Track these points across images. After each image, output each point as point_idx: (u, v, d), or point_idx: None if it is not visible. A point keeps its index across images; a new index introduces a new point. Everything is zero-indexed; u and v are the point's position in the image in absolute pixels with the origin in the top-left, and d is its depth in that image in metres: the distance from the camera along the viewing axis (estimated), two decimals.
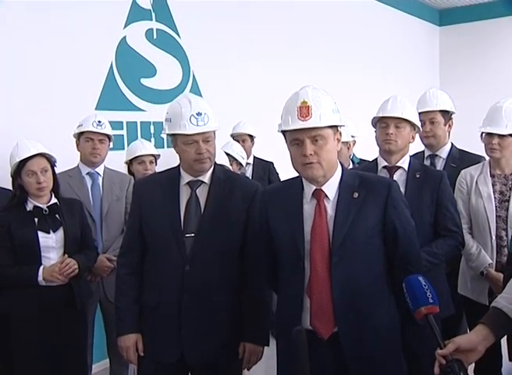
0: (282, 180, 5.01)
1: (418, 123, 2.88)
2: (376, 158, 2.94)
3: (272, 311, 2.45)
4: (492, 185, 3.07)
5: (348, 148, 4.17)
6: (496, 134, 3.00)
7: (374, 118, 2.90)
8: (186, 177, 2.39)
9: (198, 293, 2.31)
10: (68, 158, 3.55)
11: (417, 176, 2.76)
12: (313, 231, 2.03)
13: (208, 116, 2.31)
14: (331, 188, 2.06)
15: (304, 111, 1.96)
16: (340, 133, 2.07)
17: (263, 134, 5.20)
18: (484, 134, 3.09)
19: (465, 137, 4.18)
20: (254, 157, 5.35)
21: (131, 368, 3.64)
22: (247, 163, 5.26)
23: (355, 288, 2.01)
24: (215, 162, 2.47)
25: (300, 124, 1.96)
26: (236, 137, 5.21)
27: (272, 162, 5.33)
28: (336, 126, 2.03)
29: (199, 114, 2.29)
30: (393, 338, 2.11)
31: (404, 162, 2.82)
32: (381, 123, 2.84)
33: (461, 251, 2.88)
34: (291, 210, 2.09)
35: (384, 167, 2.86)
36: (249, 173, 5.26)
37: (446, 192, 2.77)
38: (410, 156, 2.88)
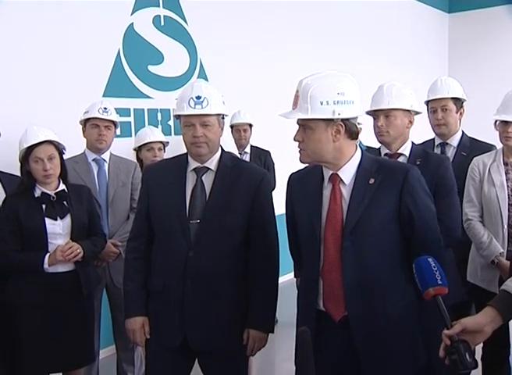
0: (276, 168, 5.08)
1: (414, 107, 2.81)
2: (380, 146, 2.93)
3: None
4: (506, 173, 3.05)
5: None
6: (511, 122, 2.97)
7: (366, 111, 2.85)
8: (192, 164, 2.41)
9: (201, 279, 2.32)
10: (75, 145, 3.54)
11: (418, 163, 2.70)
12: (327, 215, 2.07)
13: (208, 101, 2.32)
14: (347, 173, 2.07)
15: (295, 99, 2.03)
16: (341, 126, 2.00)
17: (266, 122, 5.19)
18: (498, 122, 3.05)
19: (474, 124, 4.15)
20: (251, 146, 5.35)
21: (137, 353, 3.66)
22: (245, 152, 5.30)
23: (366, 273, 2.02)
24: (223, 149, 2.48)
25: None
26: (236, 127, 5.23)
27: (268, 152, 5.32)
28: (330, 120, 1.99)
29: (198, 97, 2.31)
30: (407, 326, 2.10)
31: (406, 149, 2.80)
32: (373, 115, 2.84)
33: (453, 238, 2.66)
34: (311, 195, 2.13)
35: (385, 154, 2.84)
36: None
37: (446, 177, 2.69)
38: (413, 142, 2.85)
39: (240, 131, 5.22)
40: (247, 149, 5.32)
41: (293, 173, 2.34)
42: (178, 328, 2.36)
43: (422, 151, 2.84)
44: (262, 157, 5.28)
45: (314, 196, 2.11)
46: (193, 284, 2.33)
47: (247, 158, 5.28)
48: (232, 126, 5.25)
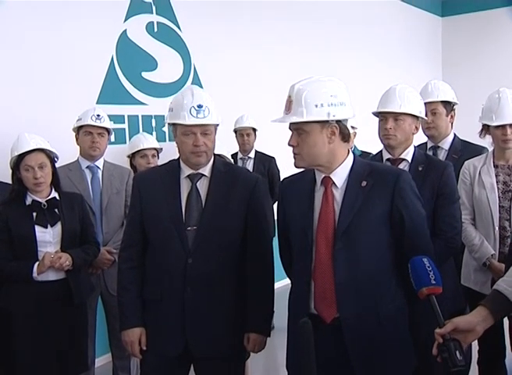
0: (281, 176, 5.08)
1: (422, 113, 2.80)
2: (381, 151, 2.90)
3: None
4: (496, 176, 3.05)
5: None
6: (507, 125, 2.97)
7: (374, 111, 2.86)
8: (186, 170, 2.40)
9: (201, 285, 2.32)
10: (69, 152, 3.55)
11: (420, 169, 2.69)
12: (319, 217, 2.08)
13: (209, 110, 2.33)
14: (340, 176, 2.09)
15: (287, 105, 2.06)
16: (336, 128, 2.03)
17: (264, 128, 5.19)
18: (493, 127, 3.03)
19: (468, 127, 4.15)
20: (256, 151, 5.35)
21: (133, 362, 3.65)
22: (249, 157, 5.29)
23: (358, 275, 2.04)
24: (215, 154, 2.47)
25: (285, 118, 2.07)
26: (240, 132, 5.24)
27: (273, 158, 5.30)
28: (325, 122, 2.01)
29: (200, 106, 2.30)
30: (398, 328, 2.11)
31: (408, 154, 2.75)
32: (380, 116, 2.79)
33: (455, 248, 2.73)
34: (303, 198, 2.14)
35: (387, 159, 2.81)
36: (250, 167, 5.27)
37: (448, 185, 2.67)
38: (415, 147, 2.81)
39: (244, 136, 5.24)
40: (251, 154, 5.32)
41: (285, 179, 2.35)
42: (179, 336, 2.34)
43: (424, 156, 2.81)
44: (266, 163, 5.27)
45: (306, 198, 2.13)
46: (194, 291, 2.32)
47: (250, 163, 5.29)
48: (235, 131, 5.26)
